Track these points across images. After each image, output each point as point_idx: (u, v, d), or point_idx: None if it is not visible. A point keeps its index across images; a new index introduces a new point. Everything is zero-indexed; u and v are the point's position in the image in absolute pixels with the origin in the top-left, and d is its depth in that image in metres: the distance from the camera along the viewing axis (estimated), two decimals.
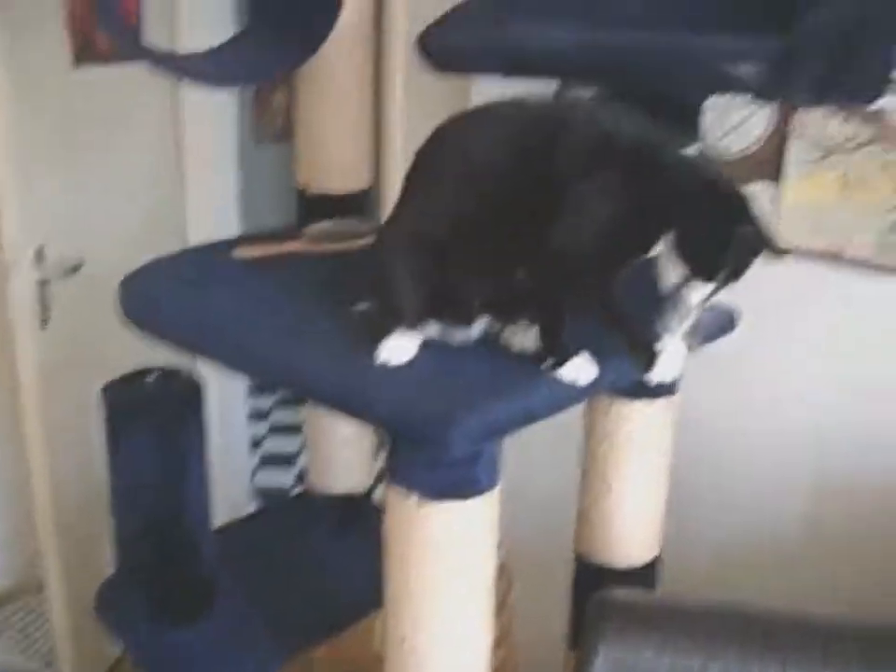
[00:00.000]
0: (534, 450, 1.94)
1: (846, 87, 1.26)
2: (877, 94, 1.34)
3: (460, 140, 1.30)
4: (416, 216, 1.31)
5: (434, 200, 1.29)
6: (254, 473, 4.06)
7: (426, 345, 1.32)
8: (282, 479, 4.14)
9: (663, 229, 1.18)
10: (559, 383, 1.26)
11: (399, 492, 1.27)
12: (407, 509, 1.27)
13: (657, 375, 1.27)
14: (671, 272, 1.19)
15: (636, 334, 1.26)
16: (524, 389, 1.25)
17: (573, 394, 1.30)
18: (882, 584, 2.01)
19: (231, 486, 3.54)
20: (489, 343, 1.34)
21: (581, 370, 1.27)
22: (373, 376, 1.27)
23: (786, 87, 1.21)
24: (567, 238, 1.19)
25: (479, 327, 1.32)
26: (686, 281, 1.19)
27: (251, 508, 3.67)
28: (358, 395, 1.26)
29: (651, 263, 1.21)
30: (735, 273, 1.20)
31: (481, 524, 1.31)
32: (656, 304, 1.23)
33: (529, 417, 1.25)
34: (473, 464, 1.25)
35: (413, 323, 1.31)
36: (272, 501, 3.67)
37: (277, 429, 4.53)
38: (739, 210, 1.19)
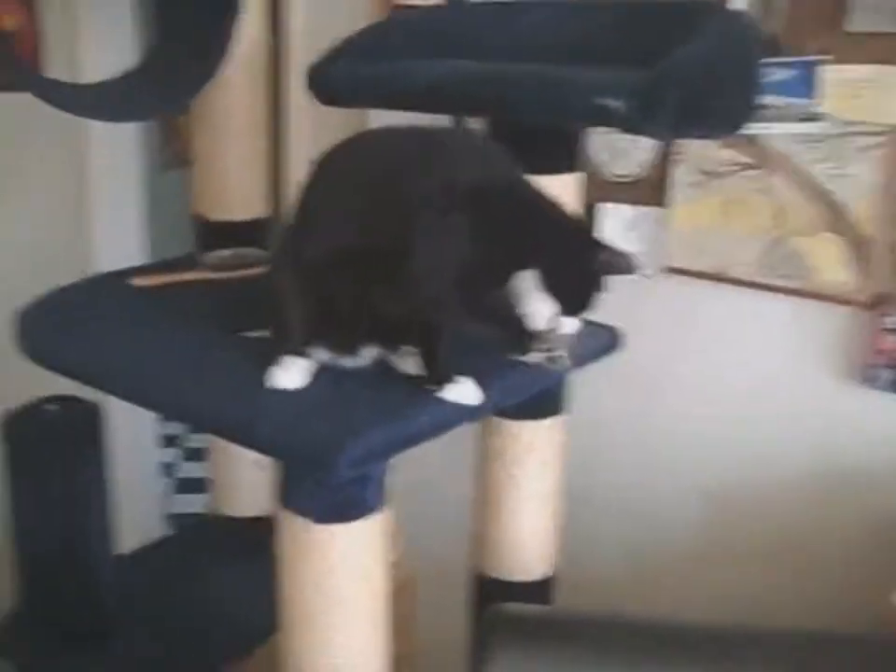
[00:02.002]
0: (436, 464, 1.99)
1: (706, 120, 1.32)
2: (737, 127, 1.41)
3: (328, 173, 1.34)
4: (298, 244, 1.35)
5: (313, 230, 1.34)
6: (168, 499, 4.04)
7: (321, 370, 1.36)
8: (196, 504, 4.11)
9: (515, 268, 1.23)
10: (444, 405, 1.31)
11: (289, 516, 1.30)
12: (297, 532, 1.30)
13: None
14: (542, 309, 1.24)
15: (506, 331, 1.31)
16: (409, 412, 1.29)
17: (458, 416, 1.34)
18: (770, 589, 2.09)
19: (143, 513, 3.52)
20: (382, 366, 1.38)
21: (464, 391, 1.32)
22: (262, 403, 1.30)
23: (649, 120, 1.26)
24: (418, 275, 1.24)
25: (368, 353, 1.36)
26: (555, 316, 1.25)
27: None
28: (245, 422, 1.28)
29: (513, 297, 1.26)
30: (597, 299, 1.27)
31: (371, 544, 1.34)
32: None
33: (414, 439, 1.28)
34: (361, 486, 1.28)
35: (300, 348, 1.34)
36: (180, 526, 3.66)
37: (191, 454, 4.51)
38: (593, 241, 1.26)
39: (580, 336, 1.31)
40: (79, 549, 1.82)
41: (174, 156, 4.73)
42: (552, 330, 1.27)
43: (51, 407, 1.83)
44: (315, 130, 2.41)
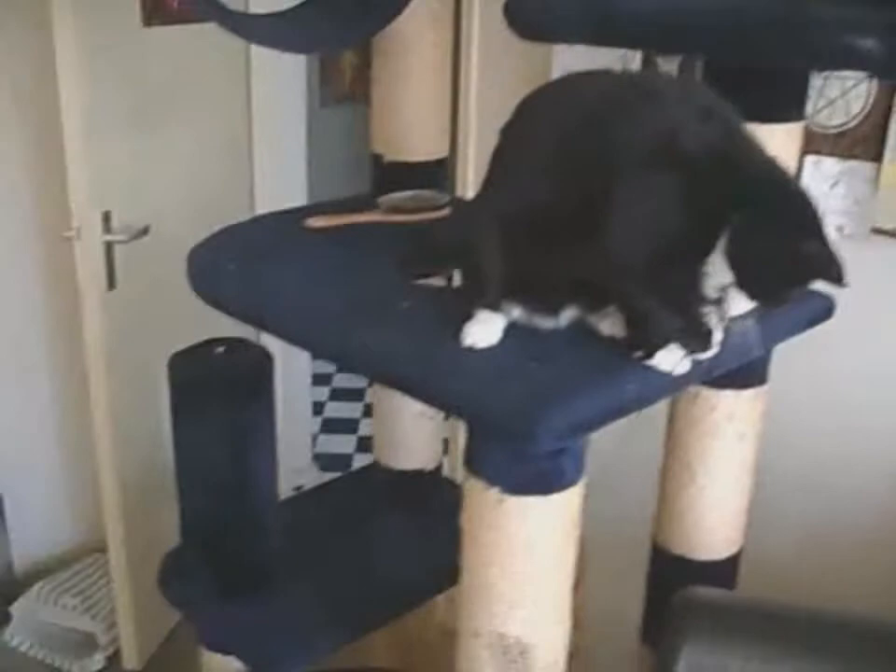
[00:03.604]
0: (612, 431, 1.88)
1: None
2: None
3: (534, 118, 1.23)
4: (498, 195, 1.25)
5: (512, 179, 1.23)
6: (315, 438, 4.03)
7: (511, 329, 1.26)
8: (343, 444, 4.11)
9: (721, 233, 1.09)
10: (652, 374, 1.19)
11: (479, 485, 1.21)
12: (487, 502, 1.20)
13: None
14: (717, 276, 1.10)
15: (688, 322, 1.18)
16: (615, 381, 1.18)
17: (666, 386, 1.23)
18: None
19: (294, 452, 3.52)
20: (578, 327, 1.27)
21: (673, 360, 1.20)
22: (454, 361, 1.21)
23: None
24: (617, 238, 1.12)
25: (568, 314, 1.25)
26: (728, 290, 1.11)
27: (312, 473, 3.65)
28: (437, 381, 1.20)
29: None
30: (787, 295, 1.11)
31: (564, 518, 1.24)
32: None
33: (620, 412, 1.18)
34: (559, 457, 1.18)
35: (496, 303, 1.24)
36: (334, 469, 3.65)
37: (339, 394, 4.50)
38: (807, 226, 1.09)
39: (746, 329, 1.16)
40: (244, 492, 1.78)
41: (332, 92, 4.70)
42: (719, 302, 1.12)
43: (219, 349, 1.78)
44: (493, 69, 2.31)
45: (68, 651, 2.82)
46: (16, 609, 2.88)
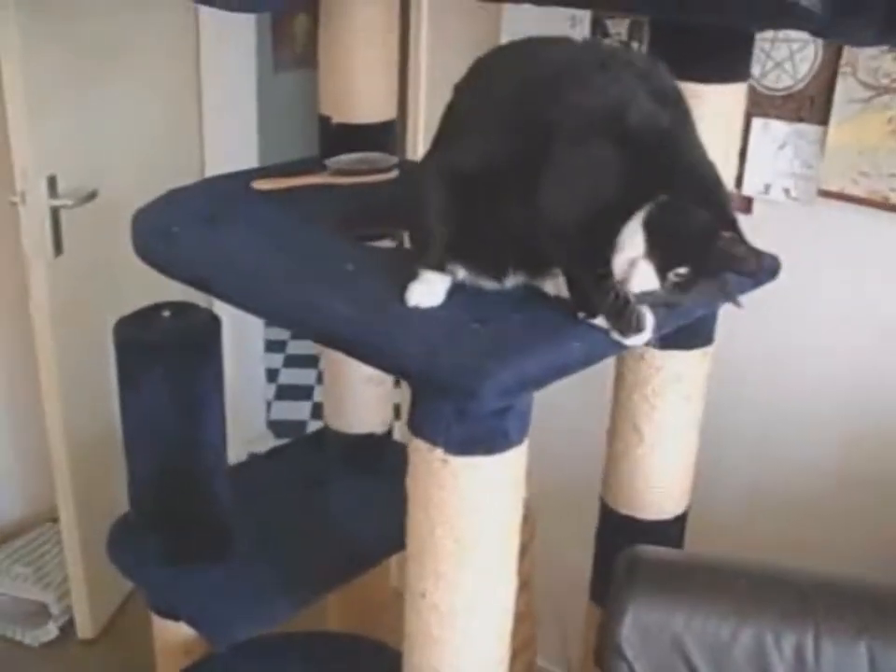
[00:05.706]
0: (561, 391, 1.89)
1: None
2: None
3: (489, 76, 1.23)
4: (447, 151, 1.24)
5: (462, 136, 1.23)
6: (269, 405, 4.02)
7: (457, 290, 1.25)
8: (298, 411, 4.10)
9: (641, 208, 1.08)
10: (597, 333, 1.20)
11: (423, 446, 1.21)
12: (430, 463, 1.20)
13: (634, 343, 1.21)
14: (629, 246, 1.08)
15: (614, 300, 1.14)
16: (560, 340, 1.18)
17: (611, 344, 1.22)
18: None
19: (248, 419, 3.51)
20: (524, 289, 1.27)
21: None
22: (398, 321, 1.20)
23: (849, 23, 1.11)
24: (548, 195, 1.12)
25: (513, 279, 1.25)
26: (637, 260, 1.08)
27: (267, 440, 3.64)
28: (381, 342, 1.19)
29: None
30: (691, 282, 1.09)
31: (509, 479, 1.24)
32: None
33: (565, 370, 1.18)
34: (503, 417, 1.18)
35: (441, 264, 1.24)
36: (289, 436, 3.63)
37: (293, 361, 4.48)
38: (726, 221, 1.09)
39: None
40: (191, 456, 1.77)
41: (285, 57, 4.65)
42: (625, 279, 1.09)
43: (166, 314, 1.77)
44: (443, 33, 2.29)
45: (20, 622, 2.79)
46: None
